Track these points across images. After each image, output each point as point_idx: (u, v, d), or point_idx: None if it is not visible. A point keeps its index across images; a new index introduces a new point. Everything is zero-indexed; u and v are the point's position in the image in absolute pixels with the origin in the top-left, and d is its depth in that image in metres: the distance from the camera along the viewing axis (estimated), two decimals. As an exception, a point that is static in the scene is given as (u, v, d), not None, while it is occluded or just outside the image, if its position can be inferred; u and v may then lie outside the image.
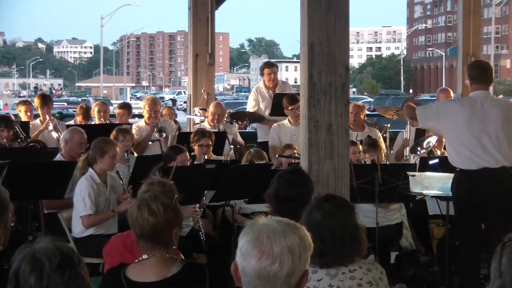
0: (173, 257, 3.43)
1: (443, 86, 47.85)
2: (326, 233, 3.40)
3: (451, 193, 6.34)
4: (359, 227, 3.51)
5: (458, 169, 6.20)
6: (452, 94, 9.98)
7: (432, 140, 8.20)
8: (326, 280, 3.41)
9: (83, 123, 9.31)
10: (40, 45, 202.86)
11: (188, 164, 6.92)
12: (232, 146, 8.77)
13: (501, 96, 46.38)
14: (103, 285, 3.56)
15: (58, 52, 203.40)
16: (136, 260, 3.46)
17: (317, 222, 3.43)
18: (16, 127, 8.42)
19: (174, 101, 57.45)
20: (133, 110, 11.39)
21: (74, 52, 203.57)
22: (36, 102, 9.56)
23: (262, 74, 10.14)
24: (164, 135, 8.82)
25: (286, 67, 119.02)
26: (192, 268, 3.47)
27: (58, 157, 7.33)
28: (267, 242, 2.28)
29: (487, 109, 6.16)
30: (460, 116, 6.14)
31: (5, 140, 7.99)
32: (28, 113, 9.53)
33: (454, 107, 6.22)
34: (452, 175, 6.54)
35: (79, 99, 48.73)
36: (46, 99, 9.55)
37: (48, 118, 9.24)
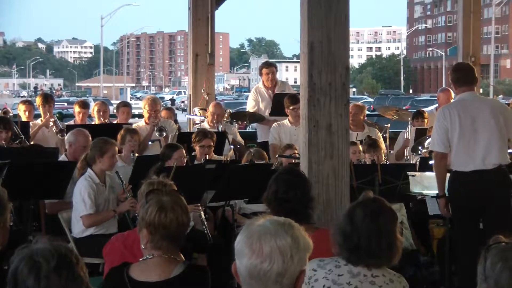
0: (176, 258, 3.44)
1: (443, 86, 47.81)
2: (364, 232, 3.39)
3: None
4: (397, 238, 3.47)
5: (453, 170, 6.21)
6: (452, 94, 9.98)
7: (432, 140, 8.20)
8: (346, 277, 3.40)
9: (82, 112, 9.41)
10: (40, 45, 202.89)
11: (185, 160, 6.95)
12: (232, 146, 8.78)
13: (501, 96, 46.41)
14: (106, 284, 3.56)
15: (58, 52, 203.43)
16: (140, 259, 3.46)
17: (358, 219, 3.41)
18: (14, 127, 8.41)
19: (173, 100, 57.50)
20: (133, 110, 11.42)
21: (74, 52, 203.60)
22: (38, 100, 9.60)
23: (260, 74, 10.14)
24: (164, 134, 8.84)
25: (286, 67, 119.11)
26: (195, 270, 3.48)
27: (62, 158, 7.34)
28: (257, 241, 2.33)
29: (476, 108, 6.19)
30: (453, 120, 6.17)
31: (3, 142, 7.97)
32: (27, 113, 9.53)
33: (446, 115, 6.23)
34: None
35: (79, 99, 48.67)
36: (47, 98, 9.61)
37: (49, 115, 9.26)
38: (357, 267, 3.41)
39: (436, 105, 10.38)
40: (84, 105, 9.71)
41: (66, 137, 7.69)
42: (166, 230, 3.41)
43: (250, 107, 10.13)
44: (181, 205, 3.49)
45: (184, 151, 7.01)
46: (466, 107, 6.20)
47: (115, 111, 10.24)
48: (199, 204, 6.49)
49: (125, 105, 10.01)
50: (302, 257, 2.36)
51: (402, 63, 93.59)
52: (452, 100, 9.75)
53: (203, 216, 6.48)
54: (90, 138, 7.29)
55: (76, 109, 9.57)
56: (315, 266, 3.43)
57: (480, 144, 6.11)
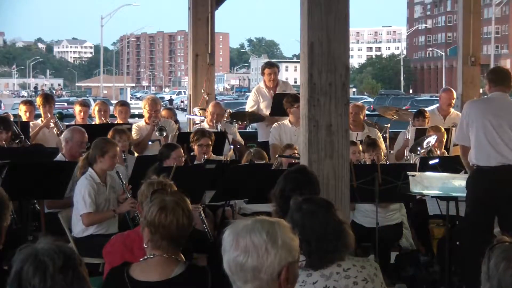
0: (176, 258, 3.44)
1: (443, 86, 47.83)
2: (309, 233, 3.40)
3: (454, 192, 6.37)
4: (342, 222, 3.50)
5: (475, 167, 6.23)
6: (454, 94, 10.00)
7: (431, 140, 8.21)
8: (322, 282, 3.40)
9: (83, 111, 9.42)
10: (40, 45, 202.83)
11: (184, 160, 6.97)
12: (232, 146, 8.78)
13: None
14: (106, 284, 3.56)
15: (58, 52, 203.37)
16: (141, 259, 3.46)
17: (299, 224, 3.42)
18: (14, 127, 8.40)
19: (171, 100, 57.51)
20: (133, 110, 11.42)
21: (74, 52, 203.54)
22: (38, 101, 9.61)
23: (263, 73, 10.14)
24: (164, 133, 8.85)
25: (286, 67, 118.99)
26: (195, 270, 3.48)
27: (59, 156, 7.34)
28: (235, 237, 2.45)
29: (503, 106, 6.33)
30: (478, 113, 6.29)
31: (3, 142, 7.95)
32: (28, 114, 9.52)
33: (472, 107, 6.40)
34: (452, 175, 6.57)
35: (79, 99, 48.71)
36: (48, 98, 9.62)
37: (49, 116, 9.26)
38: (327, 268, 3.42)
39: (437, 104, 10.39)
40: (85, 104, 9.73)
41: (62, 135, 7.70)
42: (165, 230, 3.41)
43: (249, 107, 10.16)
44: (183, 206, 3.49)
45: (182, 150, 7.02)
46: (492, 104, 6.36)
47: (114, 111, 10.23)
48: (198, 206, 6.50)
49: (122, 104, 10.01)
50: (281, 254, 2.43)
51: (402, 63, 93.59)
52: (453, 101, 9.81)
53: (202, 215, 6.49)
54: (86, 135, 7.31)
55: (77, 108, 9.58)
56: None
57: (504, 139, 6.19)
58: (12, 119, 9.39)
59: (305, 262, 3.43)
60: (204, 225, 6.44)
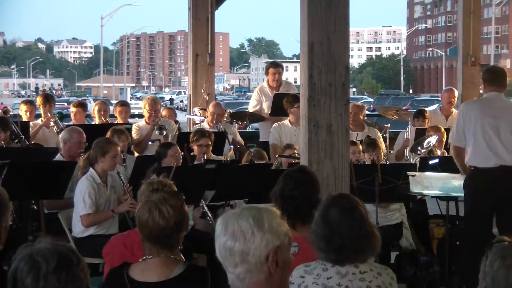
0: (176, 258, 3.43)
1: (443, 86, 47.85)
2: (344, 229, 3.40)
3: (455, 192, 6.37)
4: (373, 225, 3.53)
5: (473, 168, 6.23)
6: (456, 93, 10.00)
7: (432, 139, 8.21)
8: (336, 279, 3.41)
9: (75, 111, 9.40)
10: (40, 45, 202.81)
11: (181, 156, 6.98)
12: (232, 146, 8.78)
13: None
14: (106, 284, 3.56)
15: (58, 52, 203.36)
16: (140, 260, 3.46)
17: (335, 219, 3.43)
18: (13, 127, 8.38)
19: (171, 100, 57.69)
20: (133, 110, 11.41)
21: (74, 52, 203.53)
22: (38, 100, 9.62)
23: (266, 73, 10.11)
24: (164, 133, 8.84)
25: (286, 67, 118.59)
26: (194, 270, 3.48)
27: (58, 157, 7.33)
28: (224, 224, 2.52)
29: (498, 107, 6.33)
30: (474, 114, 6.29)
31: (2, 142, 7.93)
32: (28, 114, 9.52)
33: (469, 108, 6.40)
34: (452, 175, 6.56)
35: (76, 100, 48.72)
36: (48, 98, 9.62)
37: (49, 115, 9.26)
38: (345, 267, 3.43)
39: (439, 104, 10.40)
40: (78, 104, 9.70)
41: (60, 135, 7.69)
42: (145, 231, 3.41)
43: (251, 106, 10.14)
44: (160, 209, 3.43)
45: (178, 148, 7.05)
46: (489, 105, 6.36)
47: (114, 111, 10.22)
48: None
49: (123, 104, 9.99)
50: (268, 237, 2.48)
51: (402, 63, 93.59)
52: (454, 99, 9.81)
53: (205, 208, 6.48)
54: (84, 135, 7.31)
55: (71, 109, 9.61)
56: (302, 272, 3.44)
57: (502, 141, 6.20)
58: (11, 114, 9.41)
59: (324, 255, 3.43)
60: (208, 217, 6.45)
